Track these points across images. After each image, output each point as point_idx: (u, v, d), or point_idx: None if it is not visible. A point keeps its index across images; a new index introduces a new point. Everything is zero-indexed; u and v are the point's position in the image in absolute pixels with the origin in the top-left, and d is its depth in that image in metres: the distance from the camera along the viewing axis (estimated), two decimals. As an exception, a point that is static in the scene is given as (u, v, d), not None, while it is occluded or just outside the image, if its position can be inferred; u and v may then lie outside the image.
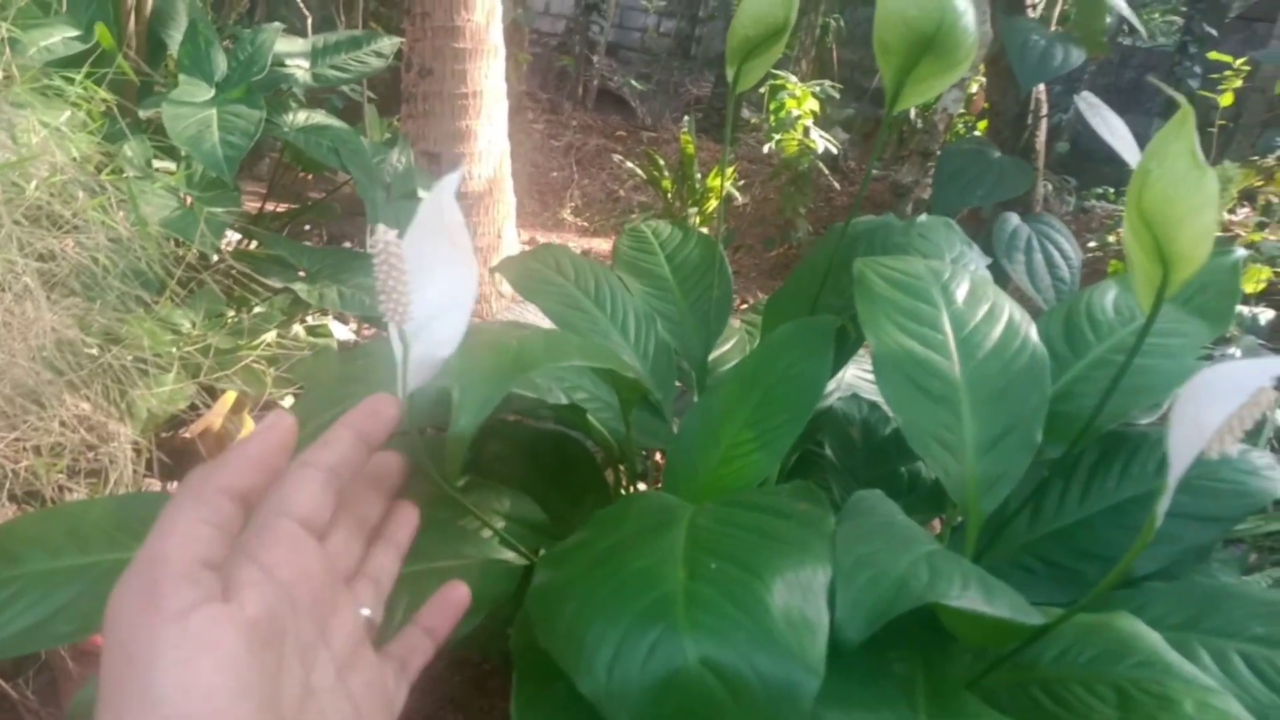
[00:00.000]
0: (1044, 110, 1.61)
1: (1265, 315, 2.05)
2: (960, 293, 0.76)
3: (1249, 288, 1.97)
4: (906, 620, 0.58)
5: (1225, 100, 2.75)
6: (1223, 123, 2.95)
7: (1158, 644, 0.61)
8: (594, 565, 0.52)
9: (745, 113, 5.27)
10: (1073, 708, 0.60)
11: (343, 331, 1.56)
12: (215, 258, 1.22)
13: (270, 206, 1.88)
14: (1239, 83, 2.72)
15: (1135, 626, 0.63)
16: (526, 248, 2.84)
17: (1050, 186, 4.07)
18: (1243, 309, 2.07)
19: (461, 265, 0.48)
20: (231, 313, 1.31)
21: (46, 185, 0.96)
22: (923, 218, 0.94)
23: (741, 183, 4.21)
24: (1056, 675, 0.63)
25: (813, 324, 0.79)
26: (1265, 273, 1.93)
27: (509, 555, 0.64)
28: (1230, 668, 0.63)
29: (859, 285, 0.76)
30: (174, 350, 1.14)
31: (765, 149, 4.28)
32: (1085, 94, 1.64)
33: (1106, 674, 0.61)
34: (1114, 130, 1.62)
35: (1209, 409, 0.45)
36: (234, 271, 1.30)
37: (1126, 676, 0.60)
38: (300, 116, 1.48)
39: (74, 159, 1.03)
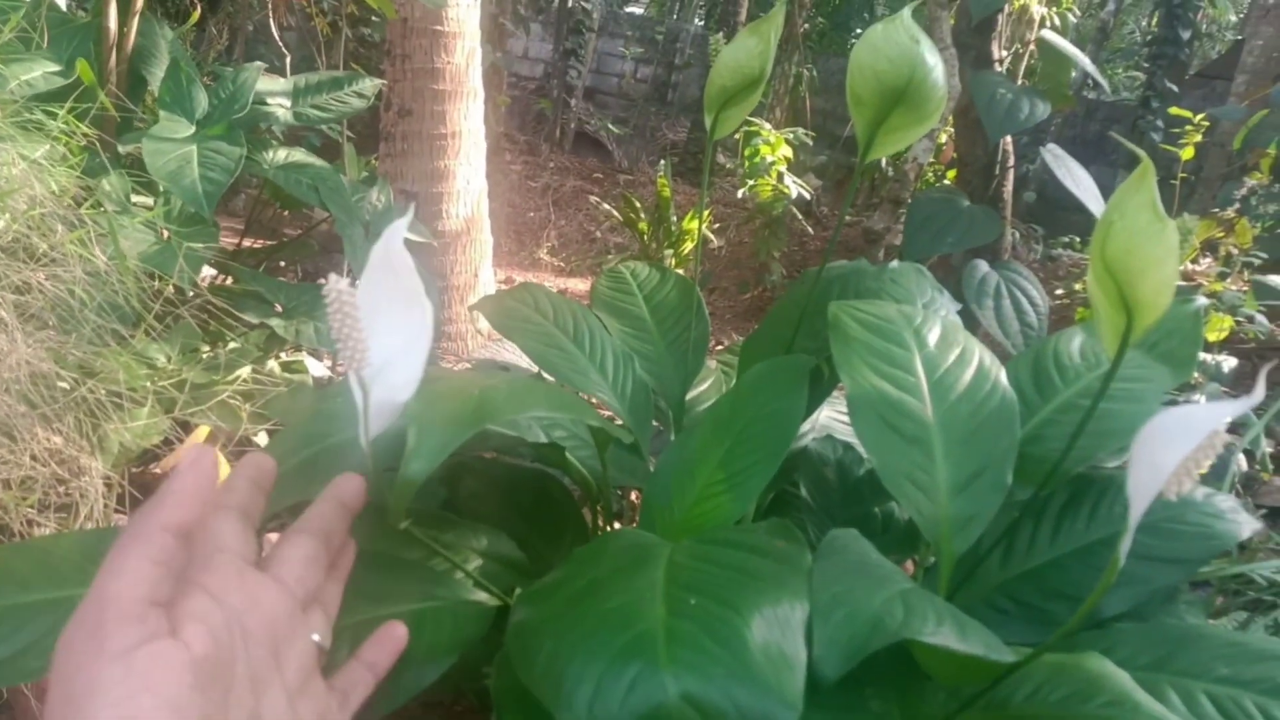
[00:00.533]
0: (1011, 161, 1.65)
1: (1228, 363, 2.11)
2: (932, 337, 0.78)
3: (1212, 336, 2.02)
4: (882, 657, 0.59)
5: (1186, 154, 2.83)
6: (1184, 175, 3.03)
7: (1126, 684, 0.62)
8: (572, 603, 0.52)
9: (720, 158, 5.35)
10: (1045, 748, 0.60)
11: (318, 368, 1.55)
12: (192, 293, 1.22)
13: (247, 243, 1.88)
14: (1199, 137, 2.82)
15: (1104, 666, 0.64)
16: (503, 287, 2.84)
17: (1018, 234, 4.16)
18: (1206, 356, 2.12)
19: (415, 309, 0.49)
20: (207, 348, 1.31)
21: (24, 218, 0.95)
22: (895, 264, 0.96)
23: (716, 225, 4.27)
24: (1028, 714, 0.64)
25: (787, 363, 0.81)
26: (1227, 321, 1.98)
27: (482, 596, 0.64)
28: (1198, 708, 0.64)
29: (834, 328, 0.77)
30: (148, 385, 1.14)
31: (740, 193, 4.34)
32: (1051, 146, 1.69)
33: (1077, 713, 0.61)
34: (1079, 181, 1.67)
35: (1165, 451, 0.46)
36: (210, 307, 1.30)
37: (1096, 715, 0.61)
38: (280, 154, 1.49)
39: (53, 192, 1.03)
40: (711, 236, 4.23)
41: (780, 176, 3.98)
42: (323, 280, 0.46)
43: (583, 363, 0.92)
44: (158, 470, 1.52)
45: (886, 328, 0.78)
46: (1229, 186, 2.52)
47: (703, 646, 0.46)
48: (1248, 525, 0.77)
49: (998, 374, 0.76)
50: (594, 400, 1.02)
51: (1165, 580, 0.75)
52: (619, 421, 0.98)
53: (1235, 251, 2.30)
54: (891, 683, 0.58)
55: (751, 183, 3.96)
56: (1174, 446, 0.46)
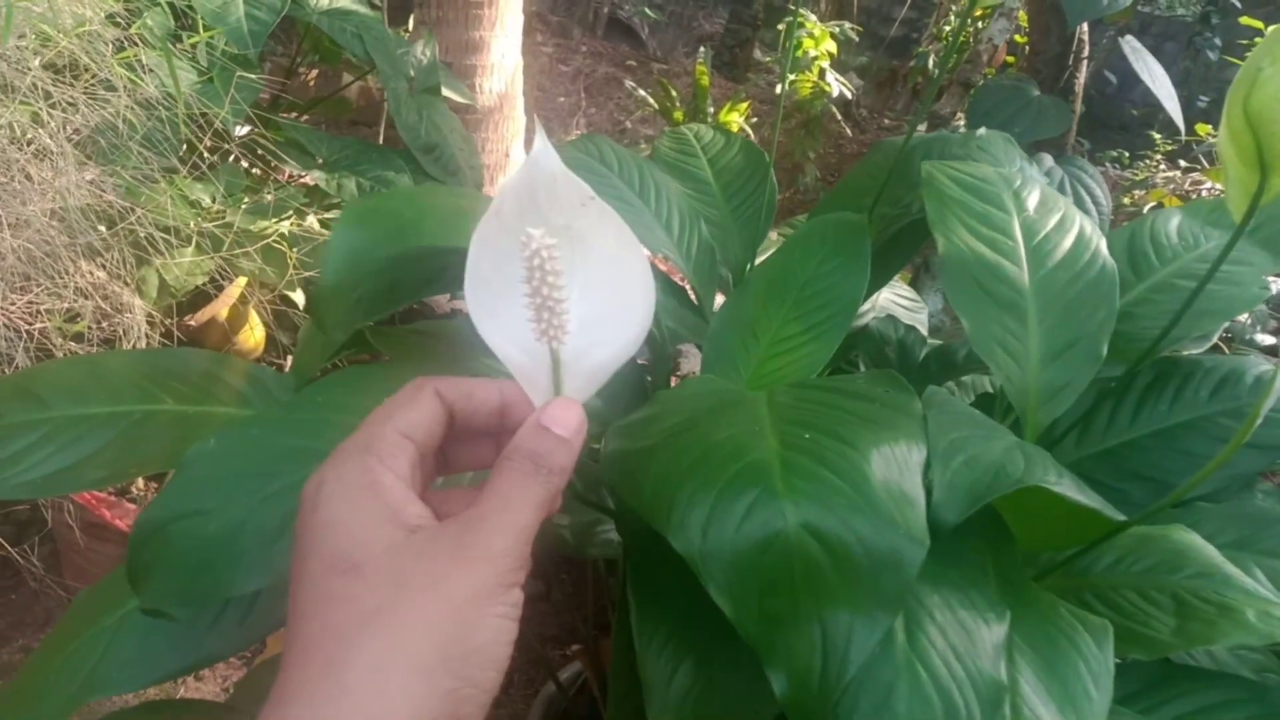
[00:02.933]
0: (1085, 51, 1.57)
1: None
2: (1032, 201, 0.74)
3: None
4: (976, 515, 0.58)
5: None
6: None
7: (1215, 557, 0.61)
8: (673, 435, 0.50)
9: (759, 54, 5.17)
10: (1129, 614, 0.59)
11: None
12: (237, 131, 1.18)
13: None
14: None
15: (1191, 539, 0.62)
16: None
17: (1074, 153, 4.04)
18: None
19: (625, 250, 0.41)
20: (249, 197, 1.27)
21: (73, 34, 0.91)
22: (981, 131, 0.92)
23: (754, 120, 4.15)
24: (1110, 583, 0.63)
25: (840, 220, 0.77)
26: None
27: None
28: (1287, 590, 0.62)
29: (928, 186, 0.74)
30: (193, 224, 1.11)
31: (778, 89, 4.20)
32: (1129, 38, 1.60)
33: (1163, 582, 0.60)
34: (1155, 77, 1.58)
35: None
36: (253, 153, 1.26)
37: (1184, 585, 0.59)
38: (324, 0, 1.42)
39: (100, 15, 0.98)
40: (749, 130, 4.12)
41: (822, 73, 3.84)
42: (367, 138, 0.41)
43: (648, 218, 0.88)
44: (192, 323, 1.51)
45: (984, 188, 0.74)
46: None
47: (821, 478, 0.44)
48: (1338, 414, 0.75)
49: (1099, 243, 0.72)
50: (658, 258, 0.99)
51: (1250, 466, 0.73)
52: (682, 280, 0.95)
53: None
54: (985, 538, 0.56)
55: (792, 77, 3.82)
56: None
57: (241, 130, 1.66)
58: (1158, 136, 3.27)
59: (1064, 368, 0.68)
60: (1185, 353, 0.88)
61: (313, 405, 0.53)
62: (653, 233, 0.87)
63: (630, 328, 0.41)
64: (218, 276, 1.20)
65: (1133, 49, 1.59)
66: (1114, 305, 0.70)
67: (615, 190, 0.88)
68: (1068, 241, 0.72)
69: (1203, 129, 2.75)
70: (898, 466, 0.46)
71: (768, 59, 4.85)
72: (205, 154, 1.18)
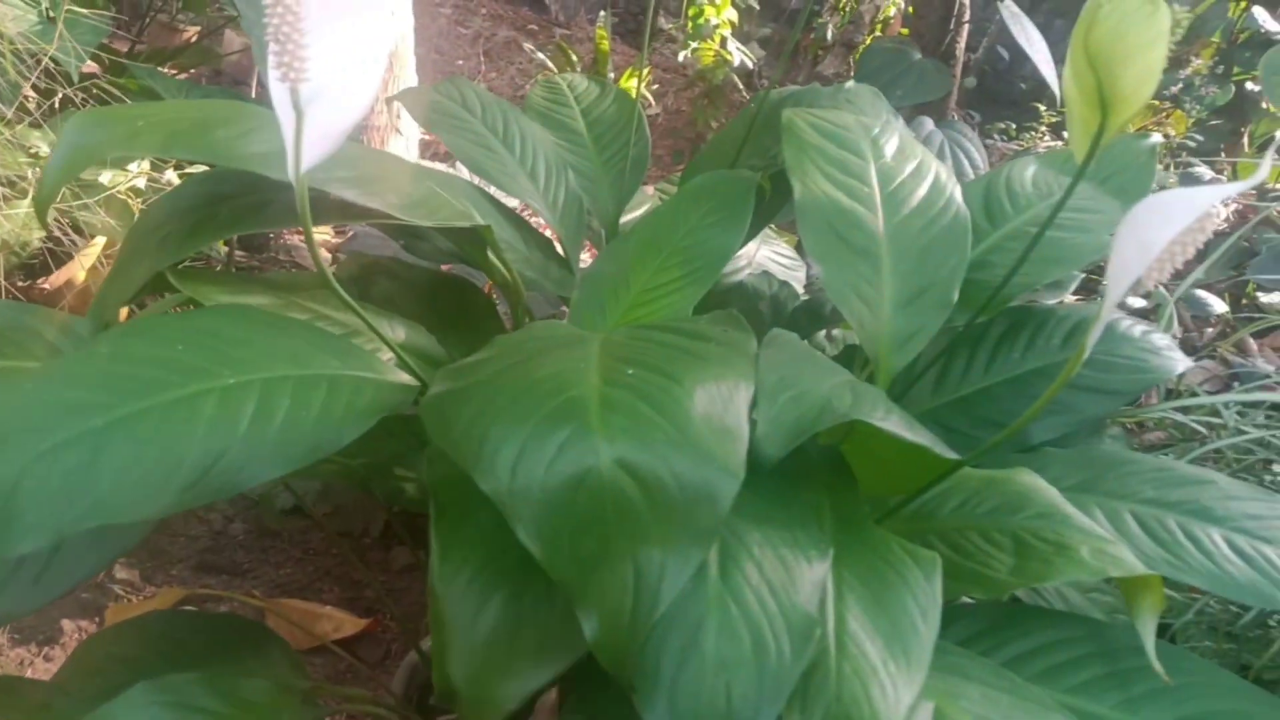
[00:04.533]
0: (966, 15, 1.59)
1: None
2: (890, 148, 0.74)
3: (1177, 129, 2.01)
4: (815, 457, 0.57)
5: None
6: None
7: (1055, 498, 0.61)
8: (497, 375, 0.48)
9: (662, 21, 5.13)
10: (970, 555, 0.60)
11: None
12: (78, 77, 1.09)
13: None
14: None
15: (1034, 481, 0.63)
16: (426, 139, 2.67)
17: (955, 117, 4.13)
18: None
19: (369, 10, 0.42)
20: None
21: None
22: (850, 84, 0.91)
23: (655, 86, 4.11)
24: (955, 525, 0.63)
25: (730, 176, 0.76)
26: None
27: (404, 377, 0.59)
28: (1123, 527, 0.64)
29: (787, 132, 0.72)
30: (30, 175, 1.02)
31: (680, 57, 4.18)
32: (1008, 3, 1.63)
33: (1004, 523, 0.61)
34: (1032, 41, 1.61)
35: (1155, 230, 0.43)
36: (103, 100, 1.17)
37: (1024, 526, 0.60)
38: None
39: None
40: (651, 99, 4.09)
41: (724, 41, 3.83)
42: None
43: (512, 166, 0.85)
44: (46, 287, 1.41)
45: (843, 135, 0.73)
46: (1166, 79, 2.52)
47: (639, 413, 0.42)
48: (1181, 362, 0.77)
49: (953, 190, 0.73)
50: (524, 209, 0.96)
51: (1096, 410, 0.75)
52: (550, 233, 0.92)
53: (1169, 137, 2.31)
54: (822, 481, 0.55)
55: (694, 45, 3.80)
56: (1164, 226, 0.43)
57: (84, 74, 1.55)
58: (1043, 109, 3.37)
59: (915, 314, 0.68)
60: (1049, 300, 0.90)
61: (94, 356, 0.48)
62: (516, 180, 0.84)
63: (370, 83, 0.43)
64: (62, 236, 1.12)
65: (1011, 14, 1.61)
66: (966, 252, 0.70)
67: (477, 136, 0.85)
68: (923, 188, 0.72)
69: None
70: (721, 402, 0.44)
71: (670, 26, 4.82)
72: (45, 102, 1.09)
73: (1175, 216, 0.43)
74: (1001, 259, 0.78)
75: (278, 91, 0.43)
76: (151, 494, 0.43)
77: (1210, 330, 1.76)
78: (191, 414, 0.46)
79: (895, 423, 0.48)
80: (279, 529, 1.46)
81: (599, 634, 0.39)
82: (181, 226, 0.56)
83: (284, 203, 0.60)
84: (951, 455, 0.51)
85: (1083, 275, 0.91)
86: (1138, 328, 0.79)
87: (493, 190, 0.85)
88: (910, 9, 1.70)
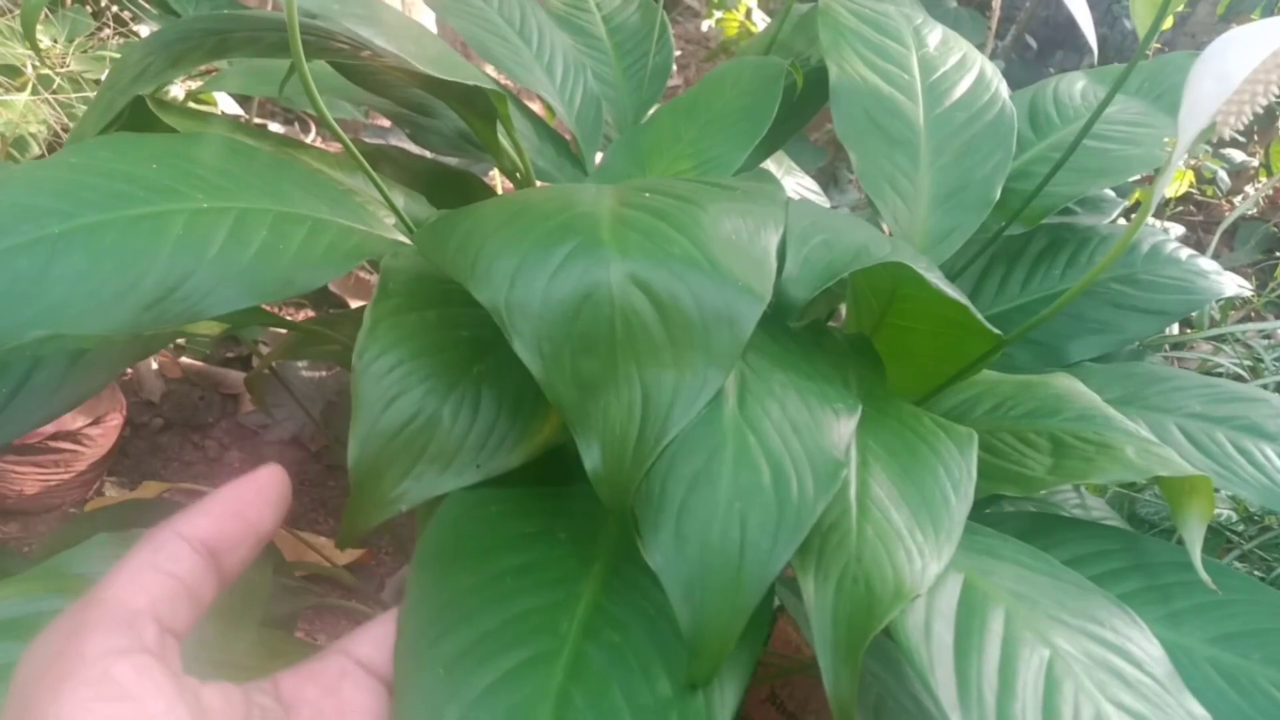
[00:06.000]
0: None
1: (1175, 230, 2.08)
2: (933, 39, 0.69)
3: (1170, 191, 1.96)
4: (841, 344, 0.52)
5: (1165, 25, 2.74)
6: (1159, 47, 2.96)
7: (1096, 401, 0.57)
8: (499, 202, 0.43)
9: (687, -2, 5.04)
10: (1005, 455, 0.55)
11: (232, 106, 1.39)
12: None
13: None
14: (1182, 5, 2.73)
15: (1072, 385, 0.59)
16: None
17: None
18: (1154, 221, 2.08)
19: None
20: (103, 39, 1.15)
21: None
22: (890, -7, 0.86)
23: (678, 54, 4.06)
24: (988, 427, 0.58)
25: (758, 62, 0.71)
26: (1188, 176, 1.92)
27: (400, 237, 0.54)
28: (1169, 438, 0.59)
29: (823, 15, 0.68)
30: (29, 66, 0.99)
31: (704, 27, 4.13)
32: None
33: (1041, 425, 0.56)
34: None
35: (1236, 62, 0.39)
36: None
37: (1063, 428, 0.56)
38: None
39: None
40: (674, 68, 4.04)
41: (749, 13, 3.77)
42: None
43: (528, 57, 0.80)
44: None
45: (884, 22, 0.68)
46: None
47: (656, 230, 0.38)
48: (1229, 285, 0.72)
49: (999, 86, 0.68)
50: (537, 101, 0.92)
51: (1139, 331, 0.70)
52: (565, 135, 0.88)
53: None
54: (850, 361, 0.51)
55: (718, 15, 3.75)
56: (1246, 58, 0.38)
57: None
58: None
59: (953, 211, 0.63)
60: (1089, 220, 0.85)
61: (59, 165, 0.44)
62: (532, 73, 0.79)
63: None
64: (60, 129, 1.08)
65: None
66: (1010, 150, 0.66)
67: (492, 24, 0.80)
68: (967, 81, 0.67)
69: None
70: (748, 232, 0.40)
71: (694, 2, 4.77)
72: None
73: (1258, 46, 0.38)
74: (1044, 170, 0.73)
75: None
76: (106, 308, 0.39)
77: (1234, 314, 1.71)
78: (157, 232, 0.42)
79: (938, 278, 0.43)
80: (275, 458, 1.43)
81: (601, 463, 0.34)
82: (164, 57, 0.52)
83: (278, 41, 0.56)
84: (991, 327, 0.46)
85: (1125, 205, 0.86)
86: (1184, 251, 0.75)
87: (505, 84, 0.81)
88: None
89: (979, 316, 0.45)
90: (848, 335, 0.56)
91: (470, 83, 0.58)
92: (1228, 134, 0.41)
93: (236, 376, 1.45)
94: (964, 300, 0.43)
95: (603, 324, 0.36)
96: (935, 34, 0.69)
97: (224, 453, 1.41)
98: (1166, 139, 0.71)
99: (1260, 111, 0.41)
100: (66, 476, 1.08)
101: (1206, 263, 0.74)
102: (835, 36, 0.66)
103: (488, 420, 0.41)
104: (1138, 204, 1.65)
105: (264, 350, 1.33)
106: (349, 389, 0.41)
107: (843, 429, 0.39)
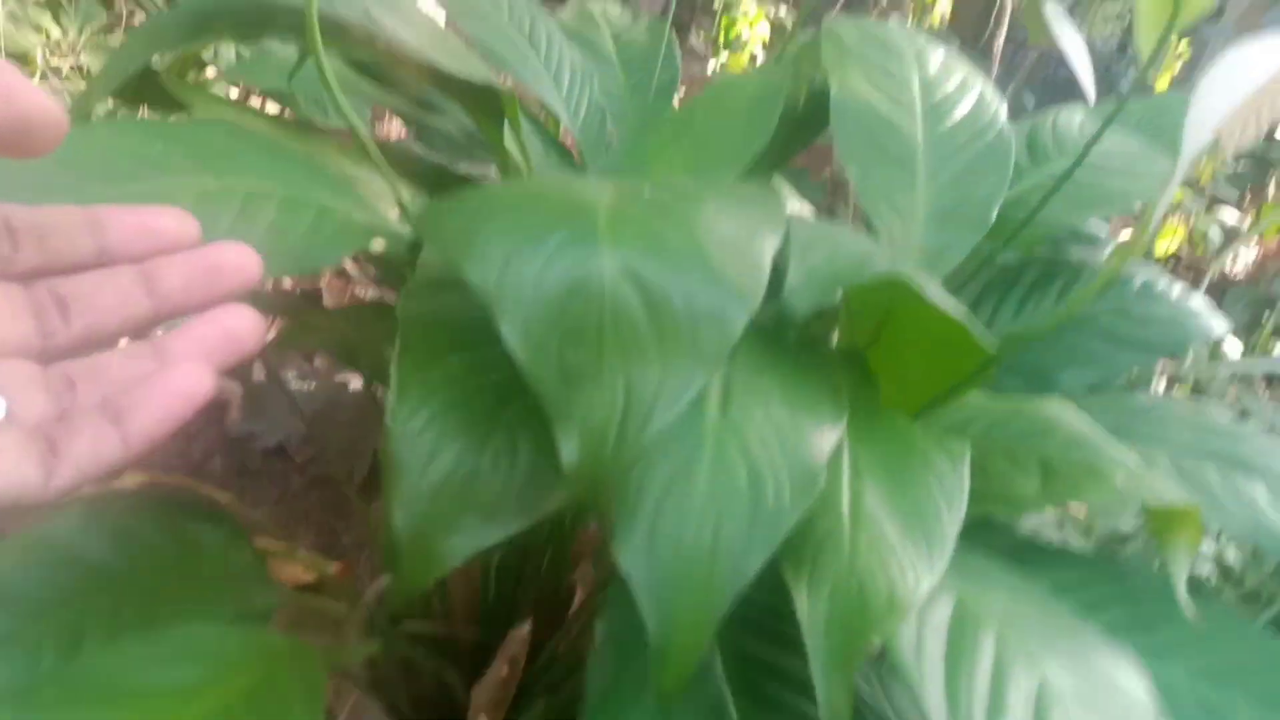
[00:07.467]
0: (1008, 12, 1.56)
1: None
2: (934, 62, 0.70)
3: (1160, 248, 1.98)
4: (834, 358, 0.52)
5: (1161, 85, 2.78)
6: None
7: (1086, 426, 0.57)
8: (499, 190, 0.43)
9: (693, 41, 5.09)
10: (994, 477, 0.55)
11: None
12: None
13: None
14: (1177, 67, 2.78)
15: (1063, 410, 0.58)
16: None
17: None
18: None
19: None
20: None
21: None
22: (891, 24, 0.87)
23: (680, 94, 4.10)
24: (979, 449, 0.58)
25: (758, 77, 0.72)
26: (1179, 231, 1.95)
27: (404, 228, 0.54)
28: (1158, 469, 0.59)
29: (828, 36, 0.68)
30: (39, 55, 0.99)
31: (710, 69, 4.17)
32: (1052, 4, 1.59)
33: (1032, 448, 0.56)
34: (1070, 41, 1.57)
35: (1243, 77, 0.39)
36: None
37: (1053, 451, 0.55)
38: None
39: None
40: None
41: (754, 59, 3.82)
42: None
43: (536, 64, 0.81)
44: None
45: (886, 43, 0.69)
46: (1275, 11, 2.49)
47: (653, 225, 0.38)
48: (1220, 325, 0.73)
49: (998, 110, 0.68)
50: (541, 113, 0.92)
51: (1129, 364, 0.70)
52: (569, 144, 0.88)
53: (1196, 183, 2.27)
54: (843, 375, 0.51)
55: (725, 57, 3.79)
56: (1255, 70, 0.38)
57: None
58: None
59: (949, 229, 0.63)
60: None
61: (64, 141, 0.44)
62: (539, 79, 0.80)
63: None
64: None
65: (1054, 11, 1.56)
66: (1007, 173, 0.66)
67: (502, 30, 0.80)
68: (968, 103, 0.68)
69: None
70: (746, 234, 0.39)
71: (698, 41, 4.82)
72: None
73: (1267, 62, 0.38)
74: (1041, 197, 0.73)
75: None
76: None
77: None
78: (163, 206, 0.41)
79: (937, 291, 0.43)
80: (259, 469, 1.42)
81: (579, 456, 0.34)
82: (176, 31, 0.52)
83: (294, 25, 0.56)
84: (988, 340, 0.46)
85: (1116, 243, 0.87)
86: (1176, 288, 0.75)
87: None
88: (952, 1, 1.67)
89: (975, 331, 0.44)
90: (841, 348, 0.55)
91: (482, 80, 0.58)
92: (1233, 146, 0.41)
93: (226, 384, 1.44)
94: (961, 315, 0.43)
95: (592, 315, 0.35)
96: (937, 56, 0.70)
97: (208, 461, 1.40)
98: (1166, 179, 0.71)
99: (1266, 129, 0.41)
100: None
101: (1199, 301, 0.74)
102: (838, 54, 0.66)
103: (526, 465, 0.41)
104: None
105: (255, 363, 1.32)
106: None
107: (825, 437, 0.39)
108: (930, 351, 0.50)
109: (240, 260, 0.30)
